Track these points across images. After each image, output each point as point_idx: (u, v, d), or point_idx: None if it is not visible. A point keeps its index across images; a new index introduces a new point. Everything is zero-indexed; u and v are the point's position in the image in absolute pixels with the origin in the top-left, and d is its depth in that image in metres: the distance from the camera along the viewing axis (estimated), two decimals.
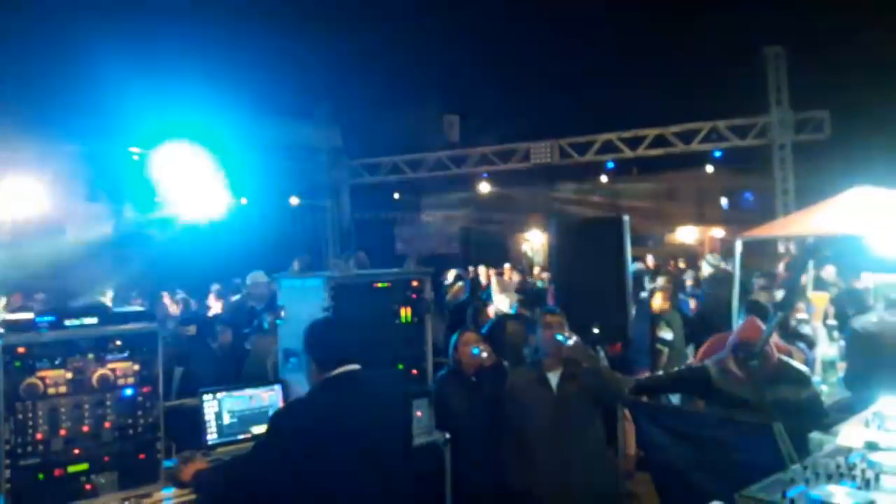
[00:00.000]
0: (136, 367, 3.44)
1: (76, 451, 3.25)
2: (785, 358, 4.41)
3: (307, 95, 19.42)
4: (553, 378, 4.26)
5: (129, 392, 3.40)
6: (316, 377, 3.05)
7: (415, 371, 4.53)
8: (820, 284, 8.34)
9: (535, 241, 29.13)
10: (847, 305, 6.13)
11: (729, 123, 15.36)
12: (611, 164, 20.14)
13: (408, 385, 3.46)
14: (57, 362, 3.23)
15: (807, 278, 7.76)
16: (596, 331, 5.10)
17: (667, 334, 7.24)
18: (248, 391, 4.26)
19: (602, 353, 5.07)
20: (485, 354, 4.51)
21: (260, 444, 2.99)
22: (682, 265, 17.69)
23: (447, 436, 4.43)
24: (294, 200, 22.22)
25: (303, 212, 22.27)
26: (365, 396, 3.03)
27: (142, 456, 3.42)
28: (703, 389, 4.42)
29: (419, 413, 4.32)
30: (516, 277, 13.75)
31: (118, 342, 3.40)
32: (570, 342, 4.17)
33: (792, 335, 6.09)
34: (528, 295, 9.31)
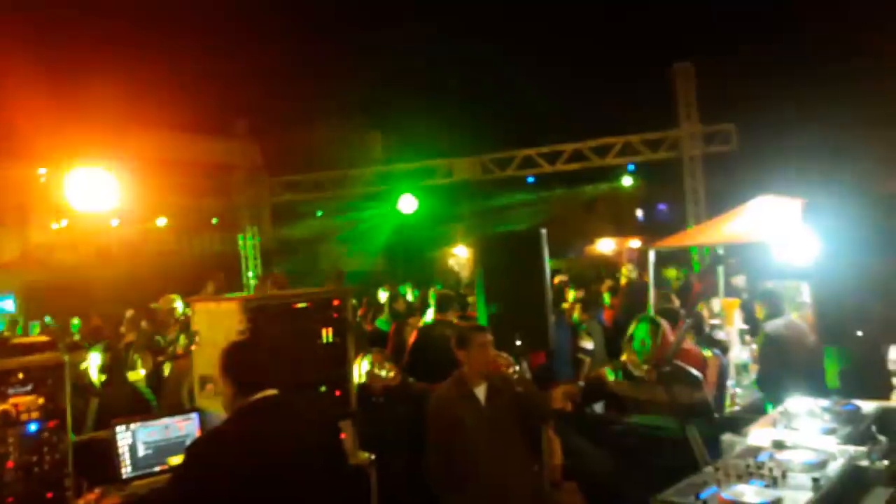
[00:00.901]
0: (41, 400, 3.27)
1: None
2: (679, 362, 4.55)
3: (225, 112, 19.06)
4: (480, 393, 4.25)
5: (33, 428, 3.23)
6: (234, 403, 2.90)
7: (338, 392, 4.47)
8: (730, 291, 8.70)
9: (461, 256, 29.29)
10: (767, 307, 6.40)
11: (642, 137, 15.91)
12: (531, 179, 20.51)
13: (331, 408, 3.33)
14: None
15: (718, 285, 8.09)
16: (518, 342, 5.15)
17: (588, 344, 7.41)
18: (164, 420, 4.12)
19: (525, 365, 5.12)
20: (391, 374, 4.47)
21: (176, 478, 2.87)
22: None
23: (372, 457, 4.39)
24: (213, 220, 21.70)
25: (222, 231, 21.78)
26: (287, 422, 2.90)
27: (49, 495, 3.26)
28: (601, 396, 4.57)
29: (343, 435, 4.25)
30: None
31: (20, 375, 3.23)
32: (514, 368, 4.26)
33: (707, 341, 6.31)
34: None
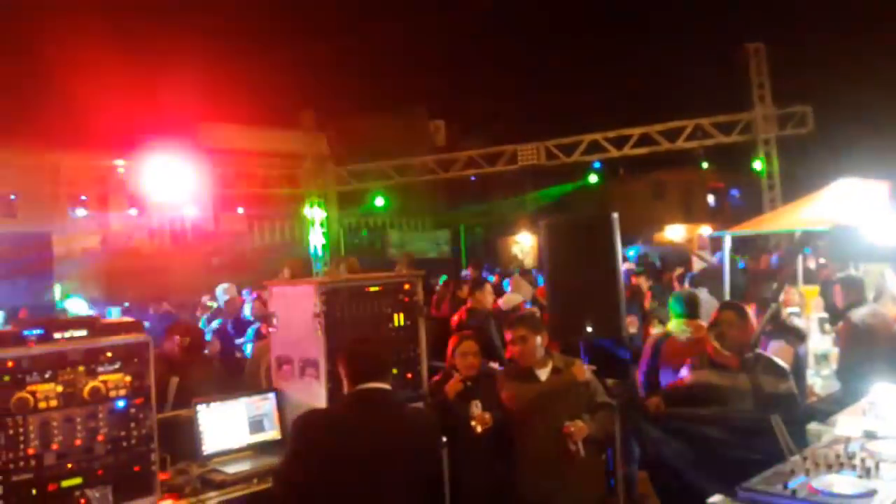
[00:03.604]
0: (128, 378, 3.39)
1: (69, 466, 3.19)
2: (762, 351, 4.45)
3: (293, 104, 19.41)
4: (542, 373, 4.27)
5: (121, 404, 3.35)
6: (346, 389, 3.17)
7: (409, 375, 4.50)
8: (810, 278, 8.38)
9: (524, 244, 29.14)
10: (845, 294, 6.16)
11: (713, 120, 15.44)
12: (597, 164, 20.19)
13: (436, 425, 3.51)
14: (47, 376, 3.17)
15: (797, 272, 7.80)
16: (589, 329, 5.08)
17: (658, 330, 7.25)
18: (243, 400, 4.22)
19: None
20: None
21: (291, 452, 3.13)
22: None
23: (444, 439, 4.40)
24: (284, 209, 22.17)
25: (292, 220, 22.24)
26: (387, 416, 3.12)
27: (136, 468, 3.37)
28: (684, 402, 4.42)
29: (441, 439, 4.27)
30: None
31: (109, 354, 3.35)
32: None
33: (782, 329, 6.09)
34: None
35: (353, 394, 3.13)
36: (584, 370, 4.33)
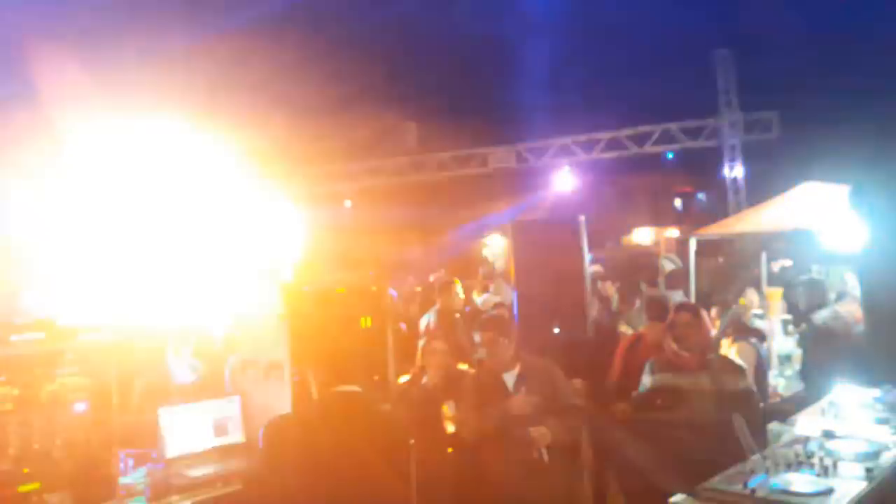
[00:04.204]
0: (88, 381, 3.32)
1: (26, 471, 3.12)
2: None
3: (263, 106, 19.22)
4: (509, 378, 4.23)
5: (80, 407, 3.29)
6: (315, 393, 3.16)
7: (376, 377, 4.48)
8: (772, 280, 8.52)
9: (495, 246, 29.17)
10: (807, 297, 6.28)
11: (681, 126, 15.65)
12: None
13: (406, 427, 3.45)
14: (2, 379, 3.10)
15: (761, 274, 7.93)
16: (556, 330, 5.11)
17: (627, 332, 7.31)
18: (207, 403, 4.17)
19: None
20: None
21: (263, 460, 3.11)
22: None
23: (411, 441, 4.38)
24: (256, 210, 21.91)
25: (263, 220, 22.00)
26: (361, 423, 3.06)
27: (96, 473, 3.31)
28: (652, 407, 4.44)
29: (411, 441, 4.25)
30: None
31: (68, 356, 3.29)
32: None
33: (743, 330, 6.18)
34: None
35: (323, 398, 3.09)
36: (524, 405, 4.09)
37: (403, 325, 7.46)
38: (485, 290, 9.61)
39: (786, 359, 6.55)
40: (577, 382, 4.95)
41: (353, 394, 3.08)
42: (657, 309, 5.59)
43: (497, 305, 7.40)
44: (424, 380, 4.70)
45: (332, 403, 3.07)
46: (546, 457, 3.95)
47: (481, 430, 4.11)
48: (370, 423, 3.11)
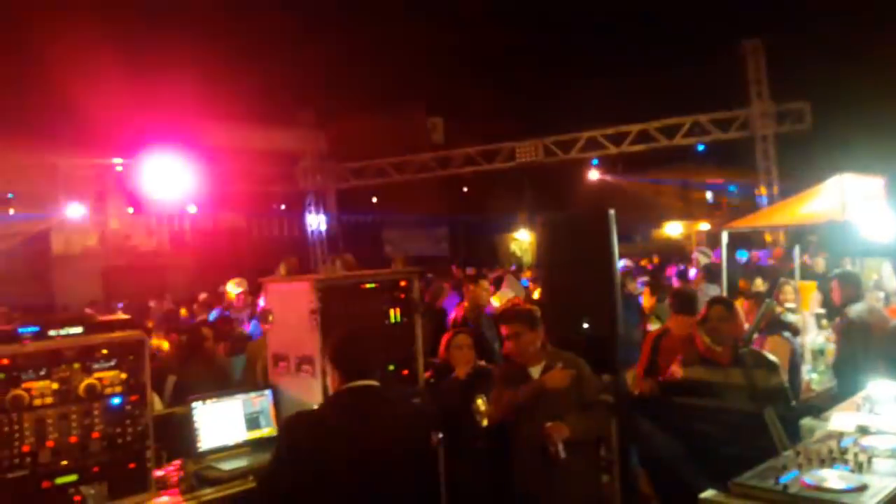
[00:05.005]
0: (124, 375, 3.39)
1: (64, 463, 3.20)
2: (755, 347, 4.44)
3: (292, 103, 19.39)
4: (535, 371, 4.21)
5: (116, 401, 3.36)
6: (336, 386, 3.07)
7: (405, 371, 4.51)
8: (807, 274, 8.39)
9: (523, 240, 29.14)
10: (842, 290, 6.18)
11: (711, 117, 15.45)
12: (595, 161, 20.20)
13: (427, 427, 3.30)
14: (42, 373, 3.18)
15: (794, 267, 7.81)
16: (586, 326, 5.08)
17: (656, 326, 7.26)
18: (239, 397, 4.23)
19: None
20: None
21: (276, 459, 3.00)
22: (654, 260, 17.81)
23: (440, 435, 4.40)
24: (281, 206, 22.16)
25: (290, 216, 22.25)
26: (379, 415, 3.02)
27: (132, 465, 3.38)
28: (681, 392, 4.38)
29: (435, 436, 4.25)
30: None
31: (104, 351, 3.35)
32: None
33: (776, 324, 6.10)
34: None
35: (340, 394, 3.04)
36: (560, 377, 4.10)
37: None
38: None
39: (819, 353, 6.45)
40: (606, 378, 4.92)
41: (370, 388, 3.02)
42: (683, 302, 5.55)
43: (512, 301, 7.41)
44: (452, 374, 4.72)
45: (347, 399, 3.01)
46: (563, 453, 3.85)
47: (510, 407, 4.09)
48: (389, 418, 3.05)
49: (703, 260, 10.02)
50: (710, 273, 8.86)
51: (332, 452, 2.86)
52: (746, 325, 5.19)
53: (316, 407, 3.13)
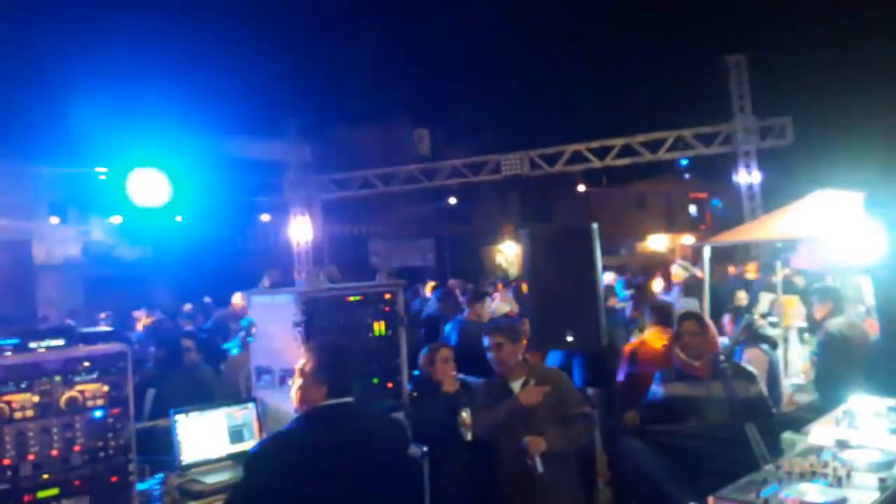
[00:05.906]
0: (106, 388, 3.36)
1: (45, 476, 3.16)
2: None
3: (275, 112, 19.40)
4: (516, 385, 4.22)
5: (98, 414, 3.33)
6: (311, 402, 2.90)
7: (390, 384, 4.52)
8: (788, 288, 8.46)
9: (508, 253, 29.23)
10: (823, 304, 6.25)
11: (694, 132, 15.58)
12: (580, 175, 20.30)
13: (405, 440, 3.23)
14: (23, 386, 3.15)
15: (776, 281, 7.88)
16: (570, 339, 5.10)
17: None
18: (222, 410, 4.21)
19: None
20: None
21: (241, 487, 2.90)
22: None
23: (424, 449, 4.40)
24: (265, 217, 22.07)
25: (274, 228, 22.19)
26: (356, 433, 2.89)
27: (114, 479, 3.34)
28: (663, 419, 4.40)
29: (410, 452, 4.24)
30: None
31: (86, 363, 3.33)
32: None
33: (755, 337, 6.17)
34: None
35: (312, 414, 2.89)
36: (534, 393, 4.08)
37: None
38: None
39: (801, 367, 6.52)
40: (590, 391, 4.94)
41: (344, 405, 2.89)
42: (660, 314, 5.61)
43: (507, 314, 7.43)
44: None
45: (319, 419, 2.86)
46: (541, 467, 3.85)
47: (489, 425, 4.11)
48: (363, 435, 2.91)
49: (682, 274, 10.08)
50: (689, 287, 8.93)
51: (309, 474, 2.73)
52: (721, 339, 5.26)
53: (290, 425, 2.94)
